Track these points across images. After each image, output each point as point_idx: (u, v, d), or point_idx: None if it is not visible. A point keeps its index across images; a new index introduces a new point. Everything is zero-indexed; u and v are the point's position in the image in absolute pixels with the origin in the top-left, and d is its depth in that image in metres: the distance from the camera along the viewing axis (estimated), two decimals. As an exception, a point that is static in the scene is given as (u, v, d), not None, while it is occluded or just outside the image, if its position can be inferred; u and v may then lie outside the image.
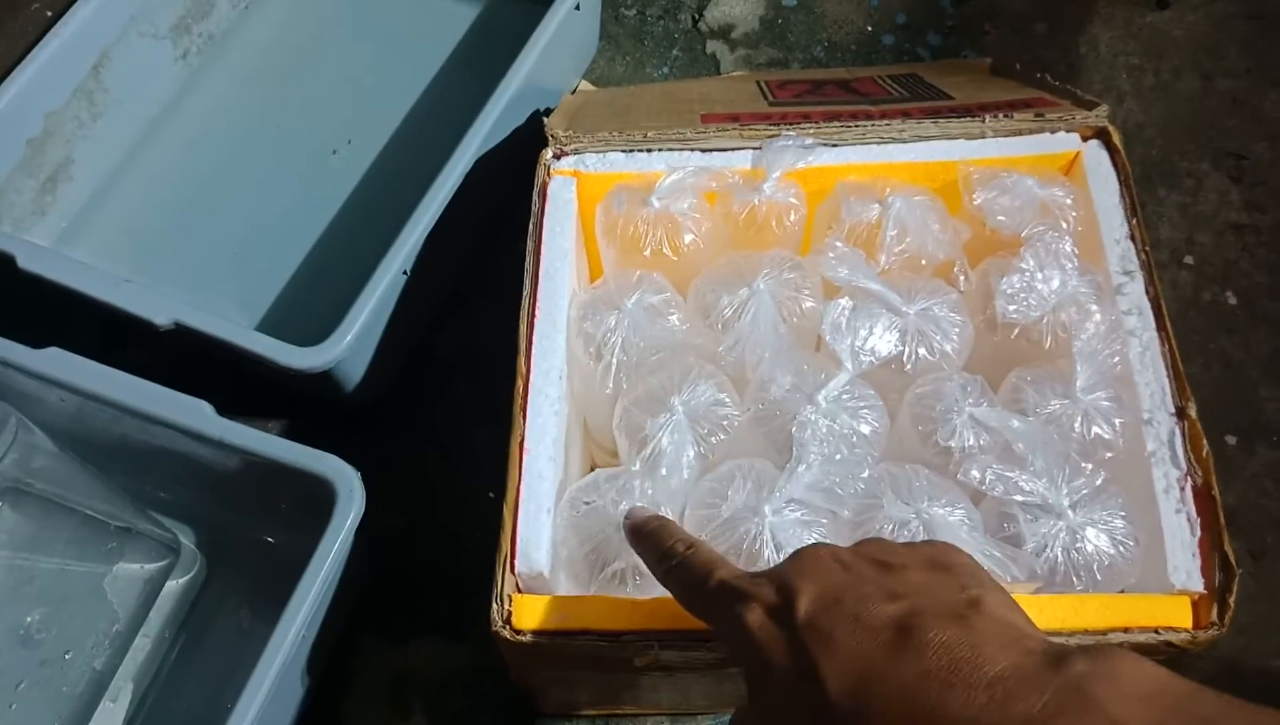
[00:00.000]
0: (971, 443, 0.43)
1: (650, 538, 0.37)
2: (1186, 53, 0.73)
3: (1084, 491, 0.42)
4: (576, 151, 0.52)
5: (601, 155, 0.52)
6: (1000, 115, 0.51)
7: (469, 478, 0.60)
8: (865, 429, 0.44)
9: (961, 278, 0.48)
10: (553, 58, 0.65)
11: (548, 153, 0.52)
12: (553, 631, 0.40)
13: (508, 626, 0.40)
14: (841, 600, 0.28)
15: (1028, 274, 0.46)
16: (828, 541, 0.36)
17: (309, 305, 0.66)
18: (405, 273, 0.56)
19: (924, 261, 0.48)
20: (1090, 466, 0.43)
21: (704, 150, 0.52)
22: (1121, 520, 0.41)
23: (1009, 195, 0.48)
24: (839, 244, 0.47)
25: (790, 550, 0.41)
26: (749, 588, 0.30)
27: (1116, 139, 0.50)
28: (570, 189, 0.51)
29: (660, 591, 0.42)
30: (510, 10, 0.76)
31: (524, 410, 0.45)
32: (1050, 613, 0.39)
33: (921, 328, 0.46)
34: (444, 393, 0.64)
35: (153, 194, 0.71)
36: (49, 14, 0.77)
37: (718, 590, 0.31)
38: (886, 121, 0.52)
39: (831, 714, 0.26)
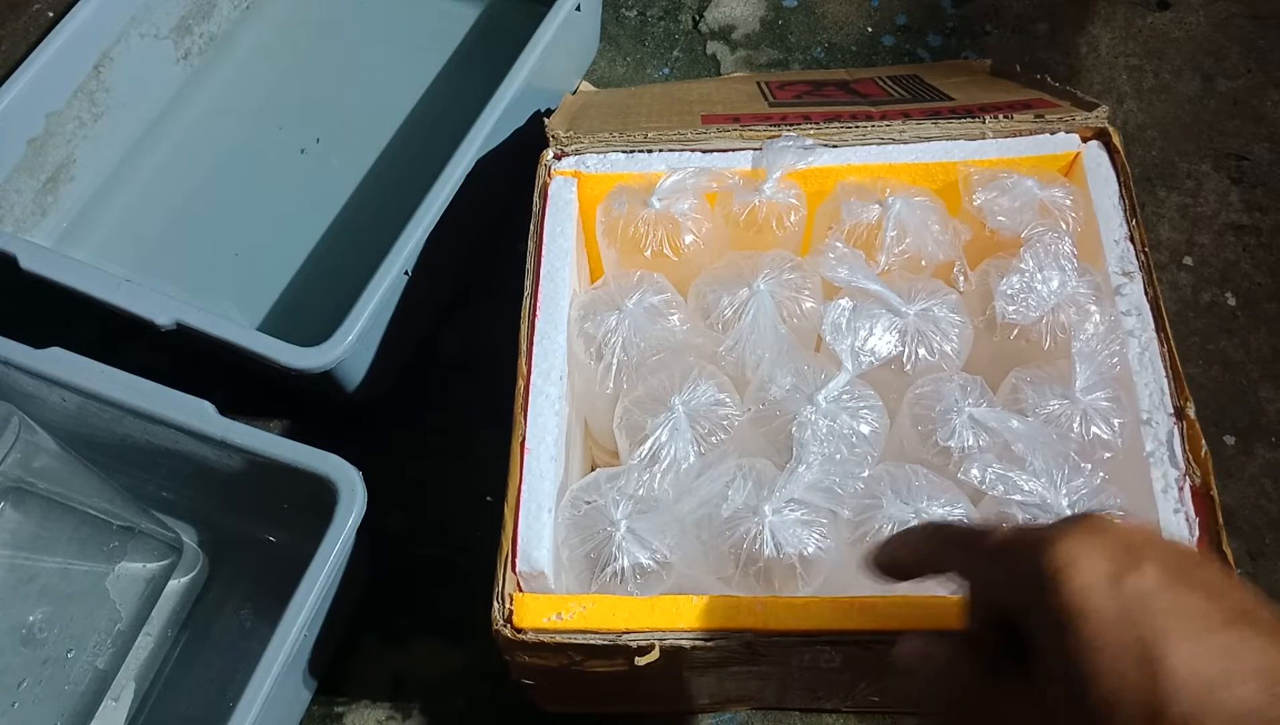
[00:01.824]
0: (971, 443, 0.43)
1: (942, 532, 0.32)
2: (1187, 54, 0.73)
3: (1083, 491, 0.42)
4: (577, 152, 0.52)
5: (602, 156, 0.52)
6: (1000, 116, 0.51)
7: (469, 478, 0.60)
8: (865, 429, 0.44)
9: (961, 278, 0.48)
10: (554, 59, 0.65)
11: (548, 153, 0.52)
12: (553, 631, 0.40)
13: (509, 625, 0.40)
14: (1192, 584, 0.25)
15: (1027, 275, 0.46)
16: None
17: (311, 305, 0.66)
18: (406, 273, 0.56)
19: (924, 262, 0.48)
20: (1089, 466, 0.43)
21: (704, 151, 0.52)
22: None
23: (1009, 196, 0.48)
24: (839, 245, 0.47)
25: (791, 550, 0.41)
26: (1082, 549, 0.26)
27: (1116, 140, 0.50)
28: (571, 189, 0.51)
29: (660, 591, 0.42)
30: (511, 11, 0.76)
31: (525, 410, 0.45)
32: (1049, 612, 0.39)
33: (921, 328, 0.46)
34: (445, 393, 0.64)
35: (154, 194, 0.71)
36: (50, 14, 0.77)
37: (1040, 548, 0.27)
38: (887, 122, 0.52)
39: (1172, 698, 0.24)
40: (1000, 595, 0.28)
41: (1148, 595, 0.25)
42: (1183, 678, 0.24)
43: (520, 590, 0.42)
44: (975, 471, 0.42)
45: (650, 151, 0.52)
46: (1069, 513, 0.41)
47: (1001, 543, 0.29)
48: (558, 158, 0.52)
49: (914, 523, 0.41)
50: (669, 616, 0.40)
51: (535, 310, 0.47)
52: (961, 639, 0.30)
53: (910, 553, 0.32)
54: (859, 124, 0.52)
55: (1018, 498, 0.42)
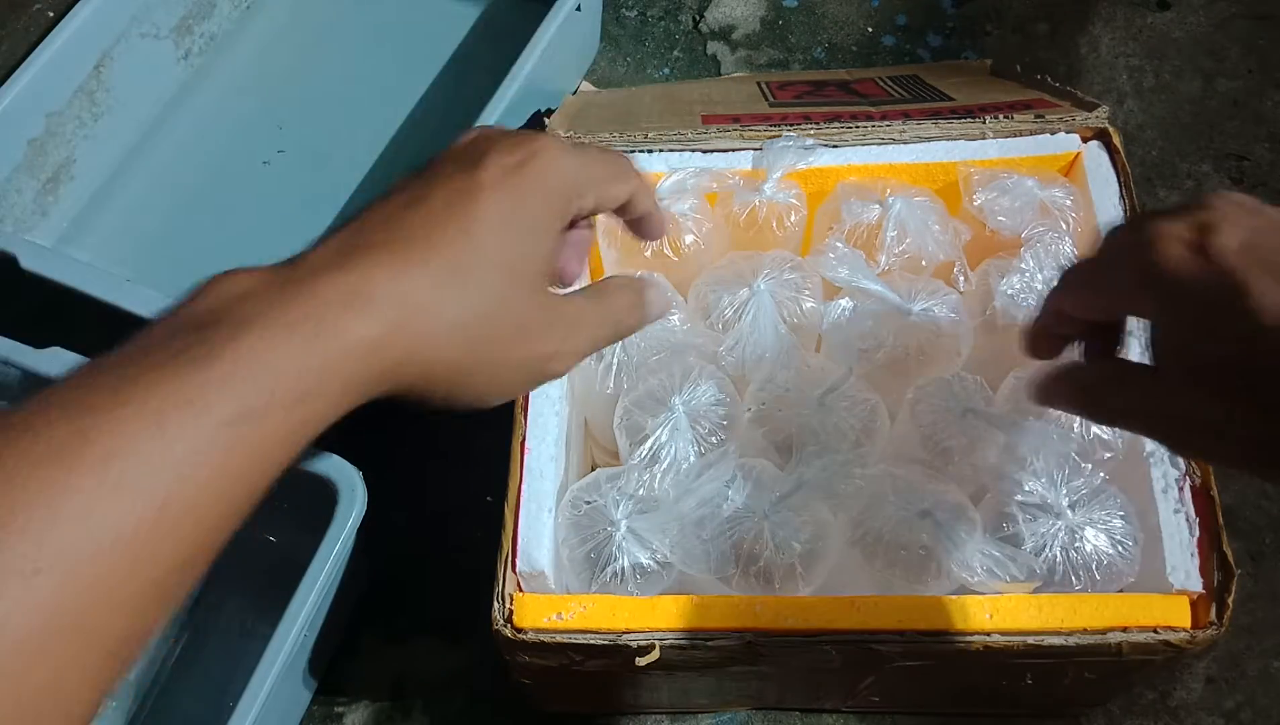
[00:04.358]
0: (971, 443, 0.43)
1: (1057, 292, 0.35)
2: (1187, 54, 0.73)
3: (1083, 491, 0.42)
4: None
5: (602, 156, 0.52)
6: (1000, 116, 0.51)
7: (469, 478, 0.60)
8: (865, 429, 0.44)
9: (961, 278, 0.48)
10: (554, 59, 0.65)
11: (549, 153, 0.52)
12: (553, 630, 0.40)
13: (509, 625, 0.40)
14: (1271, 232, 0.27)
15: (1027, 275, 0.46)
16: None
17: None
18: (406, 273, 0.56)
19: (924, 262, 0.48)
20: (1089, 466, 0.43)
21: (705, 151, 0.52)
22: (1120, 520, 0.41)
23: (1009, 196, 0.48)
24: (839, 245, 0.47)
25: (791, 550, 0.41)
26: (1163, 226, 0.29)
27: (1117, 140, 0.50)
28: (571, 189, 0.51)
29: (660, 590, 0.42)
30: (512, 11, 0.76)
31: (525, 410, 0.45)
32: (1049, 612, 0.39)
33: (921, 328, 0.46)
34: (445, 393, 0.64)
35: (154, 194, 0.71)
36: (51, 14, 0.77)
37: (1131, 237, 0.30)
38: (887, 122, 0.52)
39: (1266, 341, 0.26)
40: (1110, 302, 0.32)
41: (1230, 253, 0.27)
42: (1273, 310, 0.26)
43: (520, 590, 0.42)
44: (975, 472, 0.42)
45: (650, 151, 0.52)
46: (1070, 513, 0.41)
47: (1092, 263, 0.33)
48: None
49: (912, 519, 0.41)
50: (669, 616, 0.40)
51: (535, 310, 0.47)
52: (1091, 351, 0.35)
53: (1047, 320, 0.36)
54: (859, 124, 0.52)
55: (1018, 498, 0.42)
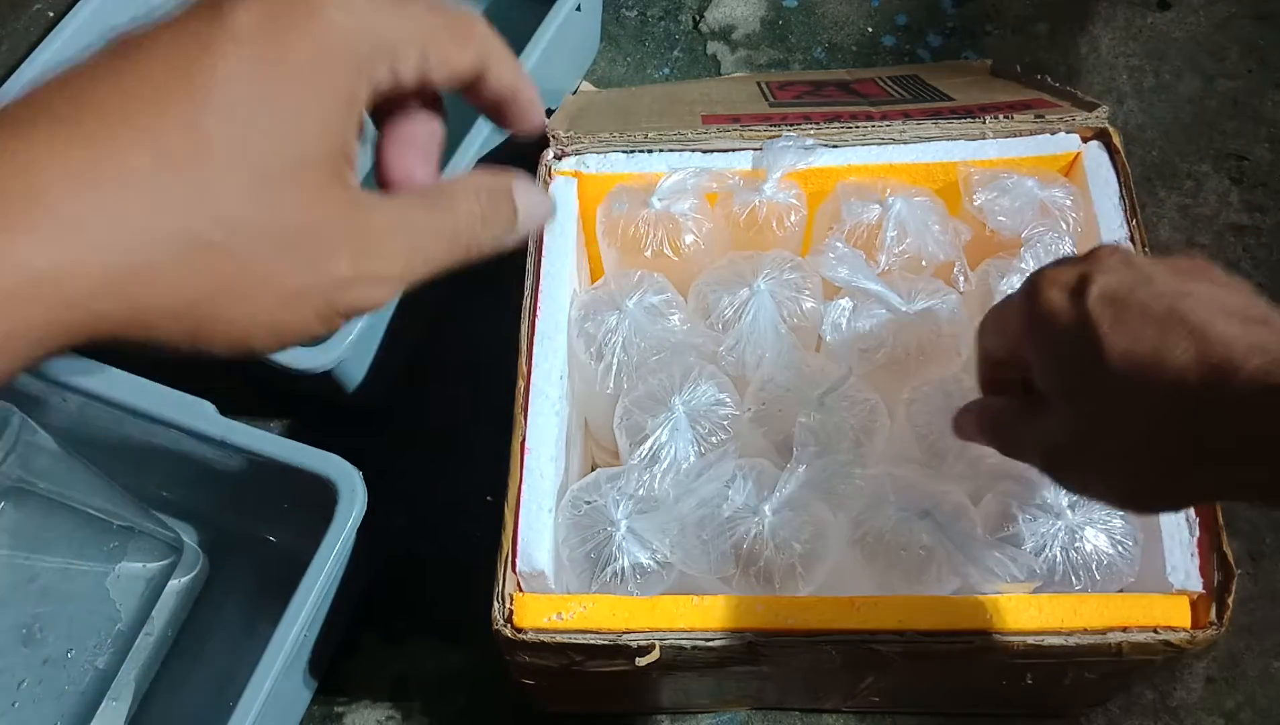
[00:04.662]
0: (965, 444, 0.43)
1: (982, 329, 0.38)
2: (1187, 54, 0.73)
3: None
4: (578, 152, 0.52)
5: (603, 156, 0.52)
6: (1000, 116, 0.51)
7: (469, 478, 0.60)
8: (865, 429, 0.44)
9: (961, 278, 0.48)
10: (554, 58, 0.65)
11: (549, 153, 0.52)
12: (553, 630, 0.40)
13: (509, 625, 0.40)
14: (1133, 290, 0.30)
15: (1028, 275, 0.46)
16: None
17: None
18: (406, 273, 0.56)
19: (924, 262, 0.48)
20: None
21: (705, 151, 0.52)
22: (1120, 520, 0.41)
23: (1009, 196, 0.48)
24: (839, 245, 0.47)
25: (791, 550, 0.41)
26: (1052, 274, 0.32)
27: (1117, 140, 0.50)
28: (571, 190, 0.51)
29: (660, 590, 0.42)
30: (512, 11, 0.76)
31: (525, 410, 0.45)
32: (1049, 612, 0.39)
33: (921, 328, 0.46)
34: (445, 393, 0.64)
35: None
36: (51, 14, 0.77)
37: (1027, 283, 0.33)
38: (887, 122, 0.52)
39: (1109, 375, 0.29)
40: (1009, 342, 0.34)
41: (1095, 303, 0.30)
42: (1118, 358, 0.29)
43: (520, 590, 0.42)
44: (973, 471, 0.42)
45: (650, 151, 0.52)
46: (1070, 513, 0.41)
47: (999, 306, 0.35)
48: (558, 158, 0.52)
49: (912, 519, 0.41)
50: (669, 616, 0.40)
51: (535, 310, 0.47)
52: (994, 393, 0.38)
53: (985, 342, 0.37)
54: (859, 124, 0.52)
55: (1018, 498, 0.42)
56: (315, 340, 0.22)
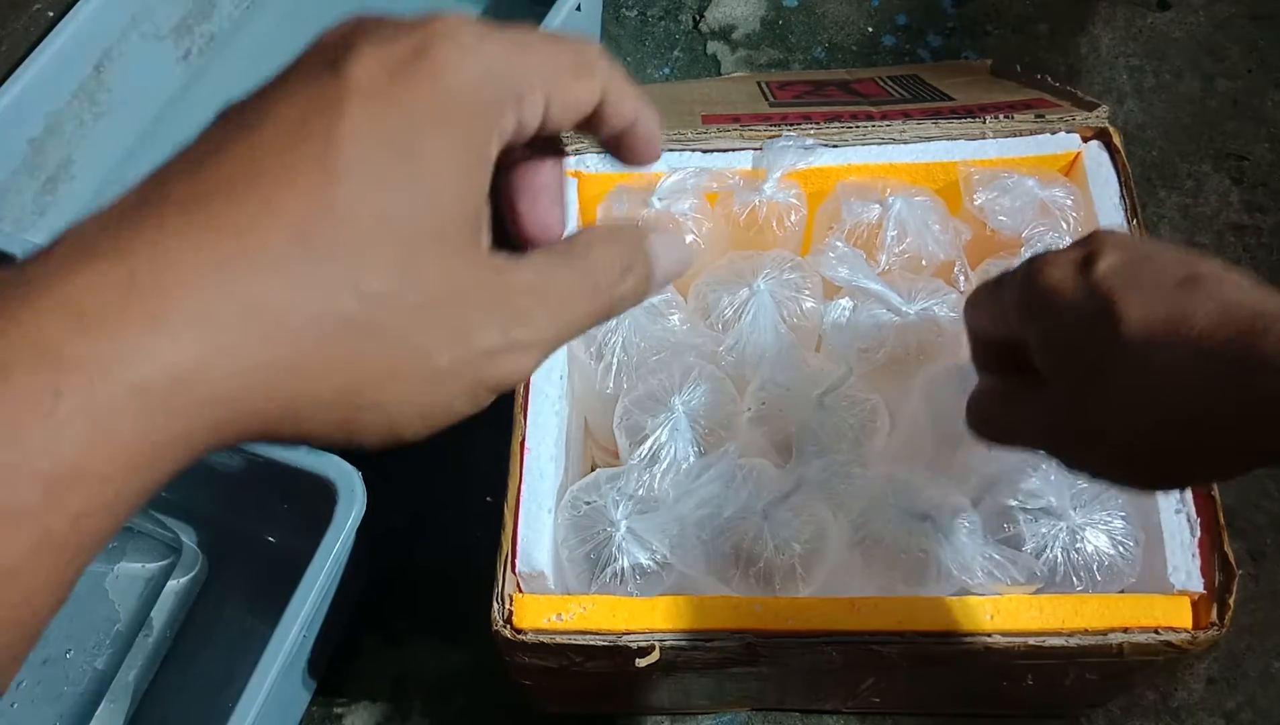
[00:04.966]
0: None
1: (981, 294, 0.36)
2: (1187, 54, 0.73)
3: (1084, 492, 0.42)
4: (577, 152, 0.52)
5: (603, 155, 0.52)
6: (1001, 116, 0.51)
7: (469, 478, 0.60)
8: (865, 429, 0.44)
9: (961, 278, 0.48)
10: (554, 58, 0.65)
11: (548, 153, 0.52)
12: (553, 631, 0.40)
13: (508, 626, 0.40)
14: (1143, 262, 0.29)
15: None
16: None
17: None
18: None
19: (924, 262, 0.48)
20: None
21: (705, 151, 0.52)
22: (1121, 520, 0.41)
23: (1009, 196, 0.48)
24: (839, 244, 0.47)
25: (791, 550, 0.41)
26: (1054, 255, 0.31)
27: (1117, 140, 0.50)
28: (571, 189, 0.51)
29: (660, 591, 0.42)
30: (511, 11, 0.76)
31: (525, 410, 0.45)
32: (1050, 613, 0.39)
33: (921, 328, 0.46)
34: (445, 393, 0.64)
35: (154, 194, 0.71)
36: (51, 14, 0.77)
37: (1027, 264, 0.32)
38: (887, 122, 0.52)
39: (1125, 348, 0.28)
40: (1002, 323, 0.33)
41: (1106, 274, 0.29)
42: (1135, 323, 0.28)
43: (520, 591, 0.42)
44: (978, 471, 0.42)
45: (650, 151, 0.52)
46: (1071, 514, 0.41)
47: (991, 286, 0.34)
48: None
49: (913, 520, 0.41)
50: (669, 617, 0.40)
51: (535, 310, 0.47)
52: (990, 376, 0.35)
53: (976, 320, 0.35)
54: (859, 124, 0.52)
55: (1019, 499, 0.42)
56: (464, 417, 0.20)
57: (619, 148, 0.23)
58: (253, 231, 0.16)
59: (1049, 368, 0.30)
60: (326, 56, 0.18)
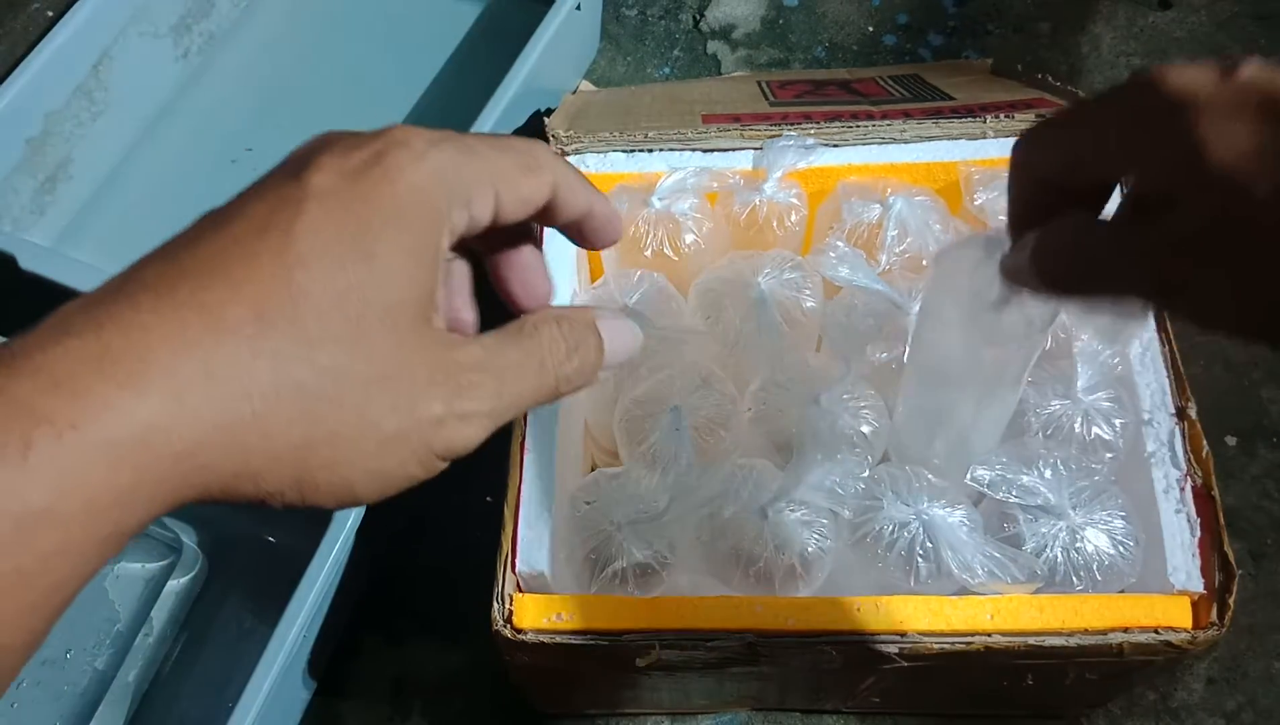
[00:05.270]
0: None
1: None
2: (1189, 53, 0.73)
3: (1084, 492, 0.42)
4: (578, 152, 0.52)
5: (603, 155, 0.52)
6: (1002, 116, 0.51)
7: (469, 479, 0.60)
8: (866, 429, 0.44)
9: (962, 278, 0.48)
10: (553, 58, 0.65)
11: (548, 153, 0.52)
12: (553, 631, 0.40)
13: (508, 626, 0.40)
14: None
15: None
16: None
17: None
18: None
19: (925, 262, 0.48)
20: (1091, 466, 0.43)
21: (705, 150, 0.52)
22: (1121, 520, 0.41)
23: (1009, 195, 0.48)
24: (840, 244, 0.47)
25: (791, 550, 0.41)
26: (1172, 66, 0.24)
27: (1117, 139, 0.50)
28: (571, 189, 0.51)
29: (660, 591, 0.42)
30: (511, 10, 0.76)
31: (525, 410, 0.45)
32: (1050, 613, 0.39)
33: (922, 328, 0.46)
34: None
35: (153, 193, 0.71)
36: (50, 13, 0.77)
37: (1133, 79, 0.25)
38: (888, 122, 0.52)
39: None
40: (1106, 146, 0.26)
41: (1257, 76, 0.23)
42: None
43: (520, 591, 0.42)
44: (982, 471, 0.41)
45: (650, 151, 0.52)
46: (1071, 513, 0.41)
47: (1073, 110, 0.27)
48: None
49: (913, 523, 0.41)
50: (669, 617, 0.40)
51: (535, 310, 0.47)
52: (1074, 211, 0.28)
53: (1040, 157, 0.30)
54: (860, 123, 0.52)
55: (1019, 498, 0.42)
56: (417, 481, 0.22)
57: (579, 234, 0.26)
58: (217, 309, 0.19)
59: (1182, 184, 0.24)
60: (293, 167, 0.21)
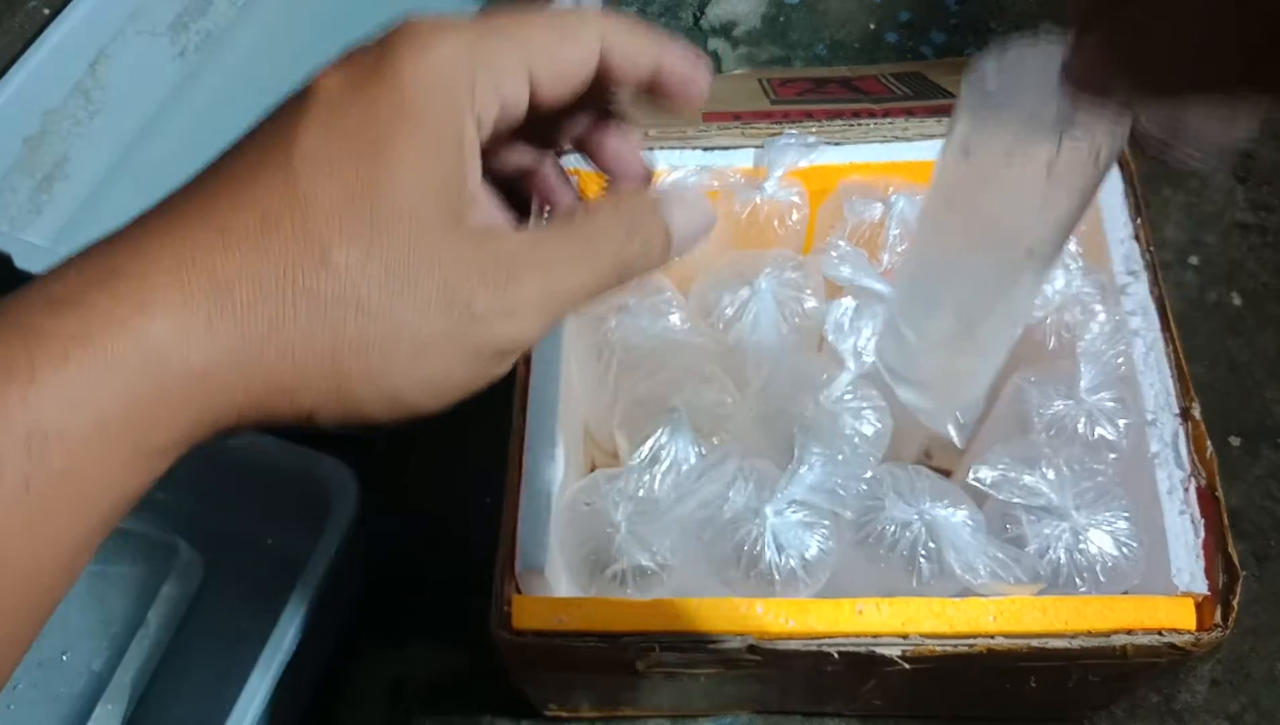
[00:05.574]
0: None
1: None
2: (1190, 51, 0.73)
3: (1088, 493, 0.42)
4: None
5: (602, 154, 0.52)
6: (1004, 114, 0.51)
7: (467, 479, 0.60)
8: (867, 429, 0.44)
9: (964, 277, 0.48)
10: (553, 56, 0.65)
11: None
12: (552, 633, 0.40)
13: (507, 628, 0.40)
14: None
15: (1031, 274, 0.46)
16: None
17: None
18: (404, 272, 0.56)
19: (927, 261, 0.48)
20: (1094, 467, 0.42)
21: (705, 149, 0.51)
22: (1125, 522, 0.41)
23: (1012, 194, 0.48)
24: (841, 243, 0.47)
25: (793, 552, 0.40)
26: None
27: (1121, 138, 0.49)
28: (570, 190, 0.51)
29: (660, 593, 0.42)
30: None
31: (524, 410, 0.45)
32: (1053, 614, 0.39)
33: (924, 328, 0.46)
34: (443, 392, 0.64)
35: (150, 192, 0.70)
36: (46, 11, 0.77)
37: None
38: (890, 120, 0.51)
39: None
40: None
41: None
42: None
43: (519, 592, 0.41)
44: (984, 472, 0.41)
45: (651, 149, 0.52)
46: (1074, 515, 0.41)
47: None
48: (558, 155, 0.52)
49: (915, 523, 0.41)
50: (669, 619, 0.40)
51: (534, 309, 0.47)
52: None
53: None
54: (861, 121, 0.51)
55: (1022, 499, 0.41)
56: (476, 387, 0.21)
57: (656, 96, 0.23)
58: (221, 219, 0.18)
59: None
60: (302, 86, 0.21)
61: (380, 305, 0.19)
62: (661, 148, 0.52)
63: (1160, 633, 0.39)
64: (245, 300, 0.18)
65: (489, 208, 0.22)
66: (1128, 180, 0.49)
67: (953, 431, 0.39)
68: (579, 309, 0.22)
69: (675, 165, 0.50)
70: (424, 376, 0.20)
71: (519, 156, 0.24)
